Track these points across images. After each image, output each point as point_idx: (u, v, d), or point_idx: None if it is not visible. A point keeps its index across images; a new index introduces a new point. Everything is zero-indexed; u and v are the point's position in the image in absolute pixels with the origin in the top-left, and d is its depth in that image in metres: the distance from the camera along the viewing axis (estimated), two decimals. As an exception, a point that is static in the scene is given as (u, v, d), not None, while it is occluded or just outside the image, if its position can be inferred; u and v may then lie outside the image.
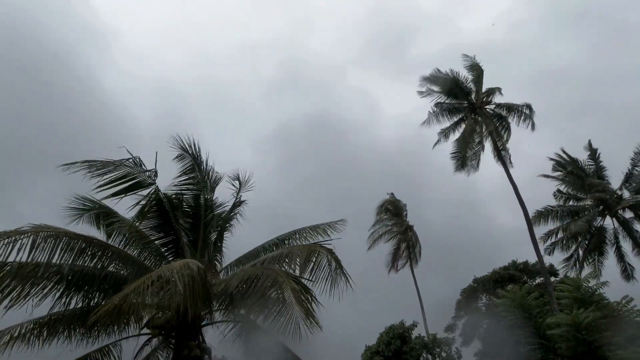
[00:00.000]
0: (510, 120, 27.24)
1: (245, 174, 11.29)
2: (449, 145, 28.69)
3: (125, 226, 9.23)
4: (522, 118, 26.88)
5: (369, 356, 25.54)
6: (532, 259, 31.91)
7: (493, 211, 58.03)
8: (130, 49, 68.92)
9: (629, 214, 25.98)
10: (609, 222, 26.82)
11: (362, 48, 78.84)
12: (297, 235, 10.62)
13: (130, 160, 8.65)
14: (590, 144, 27.33)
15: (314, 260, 7.96)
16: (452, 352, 26.28)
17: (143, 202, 8.86)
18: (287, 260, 8.33)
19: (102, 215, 9.63)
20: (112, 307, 6.17)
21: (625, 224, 26.00)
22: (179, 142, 10.09)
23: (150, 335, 9.14)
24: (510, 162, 26.90)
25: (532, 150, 57.07)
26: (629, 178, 26.38)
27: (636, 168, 26.25)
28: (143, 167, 8.91)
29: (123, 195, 8.79)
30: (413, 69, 76.66)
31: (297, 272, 8.22)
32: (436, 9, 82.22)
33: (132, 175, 8.66)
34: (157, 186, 9.15)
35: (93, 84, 49.45)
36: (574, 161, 27.39)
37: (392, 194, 37.34)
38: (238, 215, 11.24)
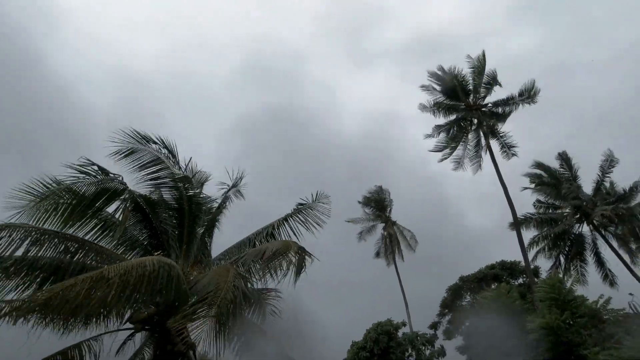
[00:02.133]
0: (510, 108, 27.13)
1: (235, 171, 10.86)
2: (423, 141, 29.28)
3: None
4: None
5: (355, 351, 25.27)
6: (512, 259, 32.09)
7: (466, 211, 57.58)
8: (93, 36, 66.30)
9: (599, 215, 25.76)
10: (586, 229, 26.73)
11: (326, 39, 78.20)
12: (284, 224, 10.11)
13: (95, 168, 8.05)
14: (561, 155, 27.03)
15: (282, 256, 7.90)
16: (435, 350, 26.19)
17: (122, 209, 8.53)
18: (261, 257, 8.03)
19: None
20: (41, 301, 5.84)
21: (600, 230, 25.71)
22: (143, 136, 9.16)
23: (133, 330, 8.72)
24: (514, 153, 27.02)
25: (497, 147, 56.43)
26: (599, 186, 26.30)
27: (606, 175, 26.20)
28: (110, 175, 8.28)
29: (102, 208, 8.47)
30: (376, 60, 76.16)
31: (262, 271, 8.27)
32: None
33: (105, 188, 8.18)
34: (130, 189, 8.66)
35: (43, 67, 46.17)
36: (548, 170, 27.15)
37: (380, 186, 36.76)
38: (227, 209, 10.70)
